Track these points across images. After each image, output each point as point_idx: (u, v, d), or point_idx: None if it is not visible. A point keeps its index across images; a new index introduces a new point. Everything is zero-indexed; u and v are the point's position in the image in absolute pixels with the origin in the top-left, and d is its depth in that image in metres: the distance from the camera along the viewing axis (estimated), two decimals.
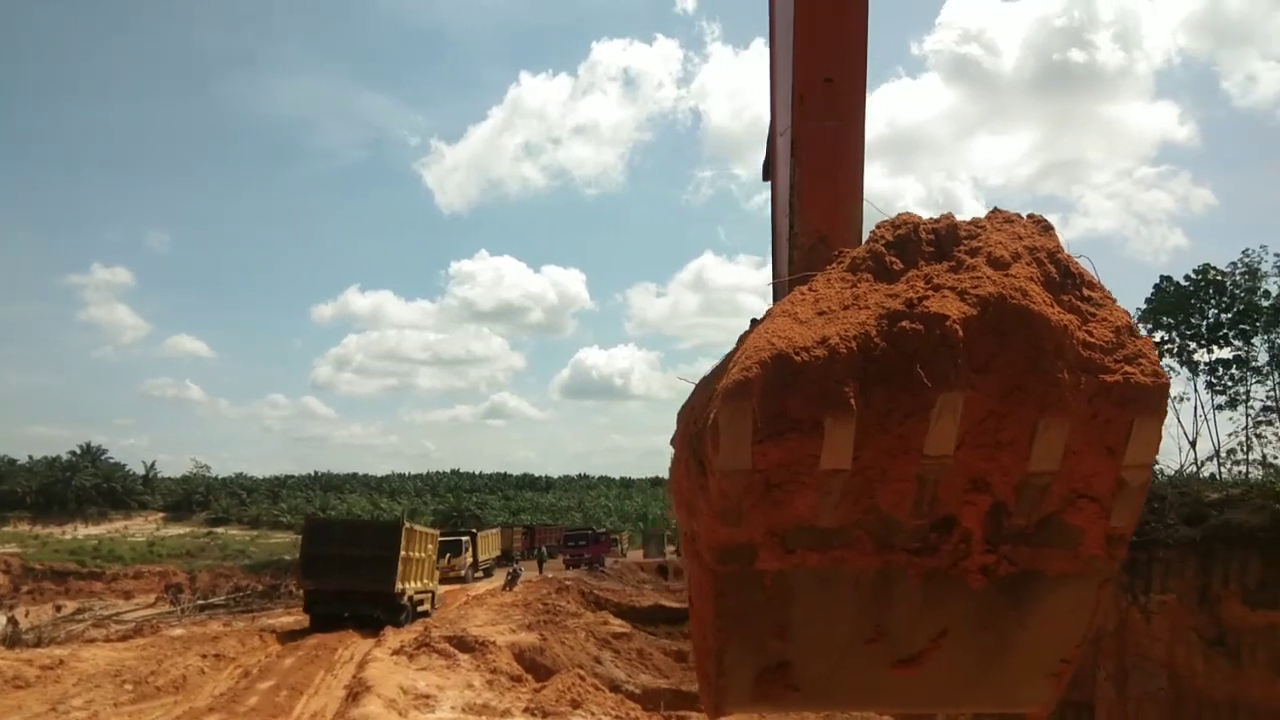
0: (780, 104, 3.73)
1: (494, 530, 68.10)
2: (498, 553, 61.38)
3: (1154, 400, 2.76)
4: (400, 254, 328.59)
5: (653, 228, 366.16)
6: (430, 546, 34.89)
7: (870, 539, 2.91)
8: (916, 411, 2.69)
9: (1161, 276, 35.09)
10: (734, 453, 2.69)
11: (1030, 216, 3.08)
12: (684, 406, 3.21)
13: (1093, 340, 2.79)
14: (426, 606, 33.53)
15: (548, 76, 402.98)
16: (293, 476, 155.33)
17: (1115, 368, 2.76)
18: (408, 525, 32.68)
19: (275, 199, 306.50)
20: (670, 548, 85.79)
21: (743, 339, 3.02)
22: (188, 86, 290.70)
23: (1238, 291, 33.15)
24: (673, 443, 3.29)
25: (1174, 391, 32.51)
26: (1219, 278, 33.37)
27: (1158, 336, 33.66)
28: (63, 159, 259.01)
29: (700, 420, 2.91)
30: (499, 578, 50.00)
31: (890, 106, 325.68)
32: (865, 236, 3.15)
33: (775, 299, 3.26)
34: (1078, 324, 2.80)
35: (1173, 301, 33.70)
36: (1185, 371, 33.46)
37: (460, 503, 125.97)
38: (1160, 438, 2.83)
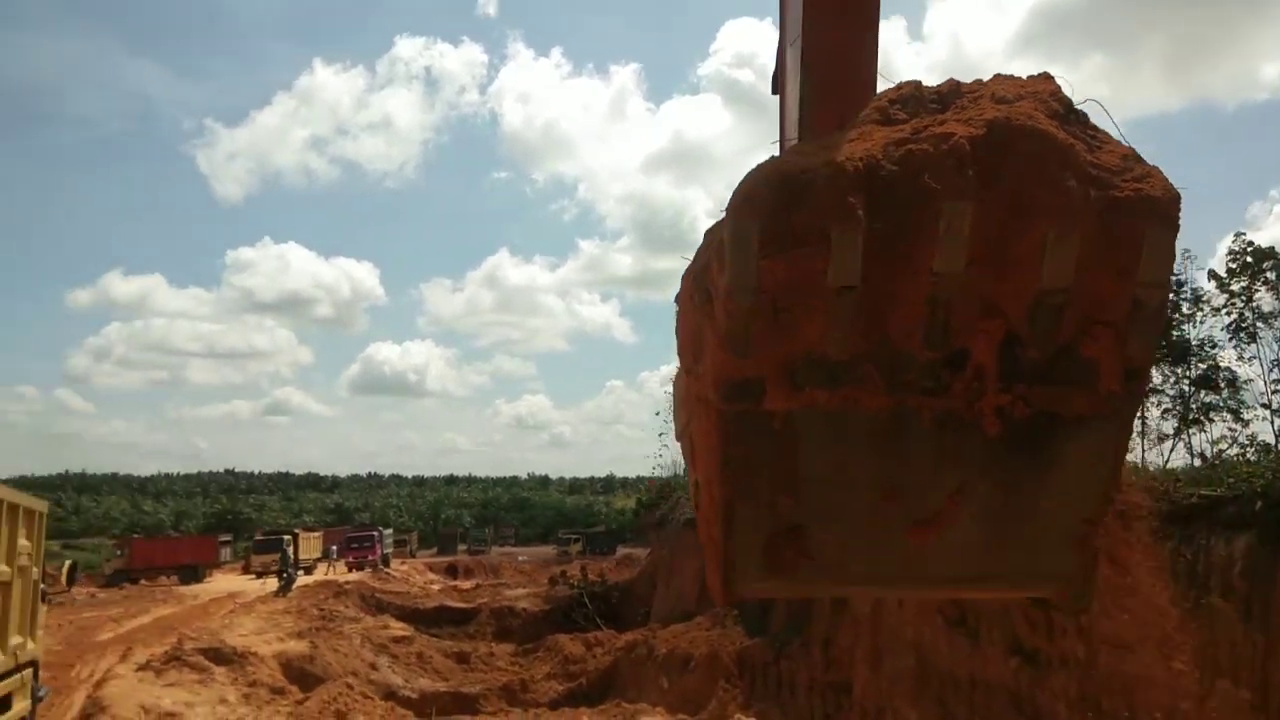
0: (790, 14, 3.62)
1: (317, 533, 67.71)
2: (319, 554, 61.05)
3: (1166, 211, 2.72)
4: (170, 237, 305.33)
5: (449, 224, 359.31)
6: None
7: (881, 375, 2.81)
8: (925, 226, 2.64)
9: None
10: (741, 269, 2.64)
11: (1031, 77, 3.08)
12: (690, 264, 3.15)
13: (1100, 163, 2.76)
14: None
15: (343, 67, 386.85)
16: (37, 477, 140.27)
17: (1125, 185, 2.73)
18: None
19: (24, 171, 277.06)
20: (462, 546, 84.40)
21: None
22: None
23: None
24: (677, 299, 3.26)
25: None
26: None
27: None
28: None
29: (706, 253, 2.89)
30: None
31: (676, 121, 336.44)
32: None
33: None
34: (1084, 149, 2.77)
35: None
36: None
37: (235, 505, 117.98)
38: (1174, 254, 2.79)
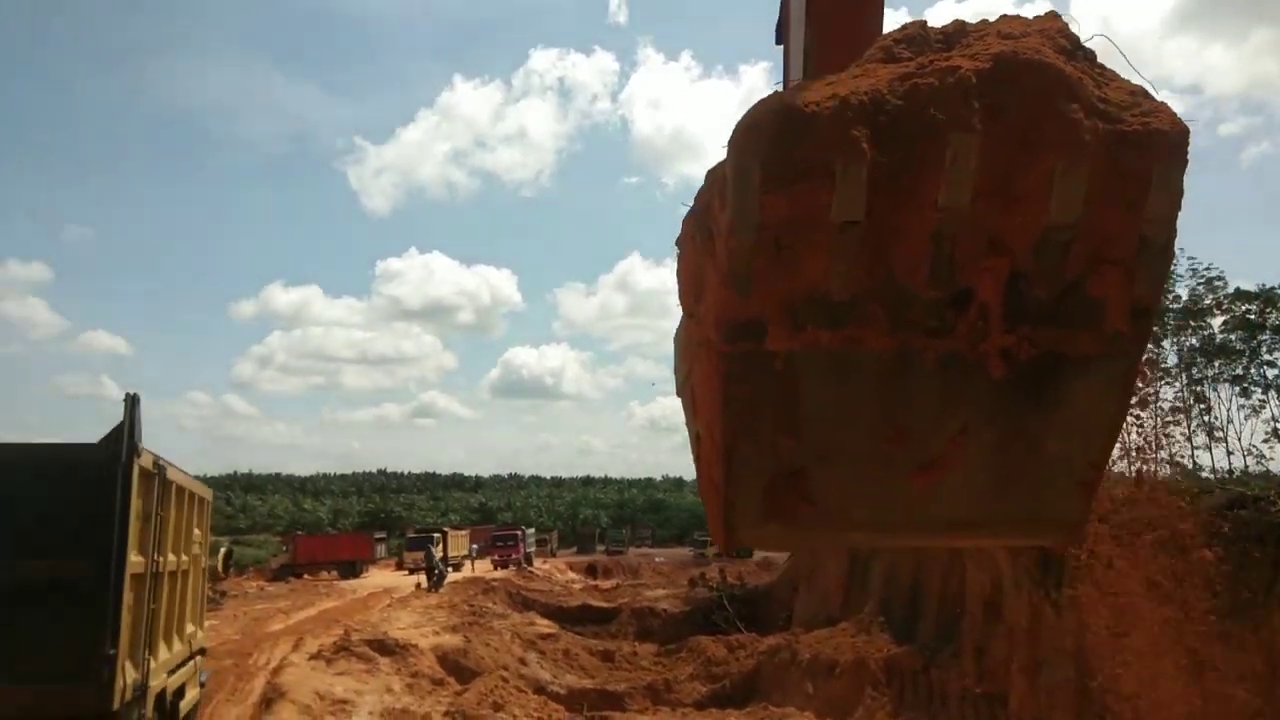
0: None
1: (464, 532, 70.70)
2: (465, 552, 64.10)
3: (1174, 145, 2.69)
4: (325, 250, 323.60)
5: (582, 230, 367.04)
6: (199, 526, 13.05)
7: (884, 314, 2.78)
8: (930, 160, 2.62)
9: None
10: (742, 204, 2.60)
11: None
12: (691, 207, 3.13)
13: (1108, 97, 2.74)
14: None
15: (482, 82, 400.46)
16: (209, 476, 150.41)
17: (1133, 120, 2.71)
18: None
19: (194, 191, 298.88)
20: (600, 546, 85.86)
21: None
22: (104, 74, 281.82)
23: None
24: (678, 243, 3.23)
25: None
26: None
27: None
28: None
29: (707, 193, 2.86)
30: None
31: None
32: None
33: None
34: (1092, 85, 2.75)
35: None
36: None
37: (387, 503, 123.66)
38: (1182, 189, 2.73)
